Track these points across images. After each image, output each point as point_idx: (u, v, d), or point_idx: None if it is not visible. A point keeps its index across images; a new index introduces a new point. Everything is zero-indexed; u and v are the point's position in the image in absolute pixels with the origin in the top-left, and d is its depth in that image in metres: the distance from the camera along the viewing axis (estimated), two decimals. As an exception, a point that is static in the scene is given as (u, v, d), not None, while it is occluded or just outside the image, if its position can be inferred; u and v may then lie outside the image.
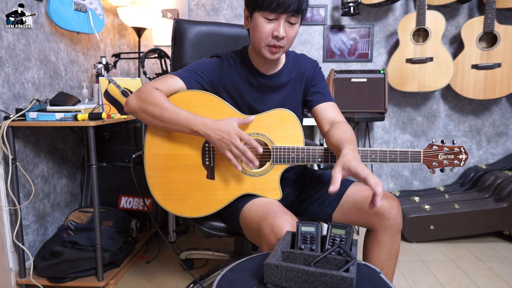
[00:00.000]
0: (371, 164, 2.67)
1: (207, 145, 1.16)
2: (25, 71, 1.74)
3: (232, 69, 1.21)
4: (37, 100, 1.65)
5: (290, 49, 1.26)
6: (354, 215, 1.12)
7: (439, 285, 1.75)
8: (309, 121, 2.05)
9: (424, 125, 2.69)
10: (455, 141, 1.12)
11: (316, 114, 1.23)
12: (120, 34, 2.70)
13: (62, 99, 1.72)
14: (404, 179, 2.76)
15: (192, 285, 1.62)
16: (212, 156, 1.16)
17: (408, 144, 2.72)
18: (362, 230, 2.37)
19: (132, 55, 2.62)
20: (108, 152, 2.23)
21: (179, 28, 1.53)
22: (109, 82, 1.94)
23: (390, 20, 2.61)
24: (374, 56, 2.65)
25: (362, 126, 2.70)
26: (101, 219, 1.70)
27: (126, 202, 2.16)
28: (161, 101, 1.09)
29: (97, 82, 1.96)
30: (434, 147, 1.11)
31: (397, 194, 2.58)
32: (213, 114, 1.15)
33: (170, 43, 2.55)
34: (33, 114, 1.57)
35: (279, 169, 1.16)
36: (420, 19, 2.35)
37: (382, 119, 2.37)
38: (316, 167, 1.45)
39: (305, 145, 1.15)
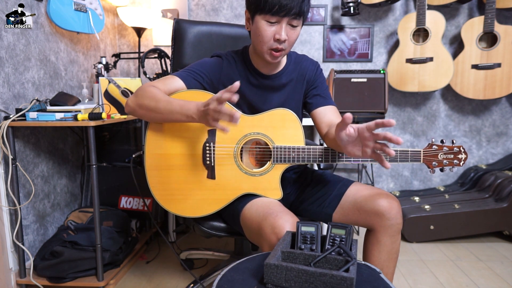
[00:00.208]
0: (371, 164, 2.67)
1: (207, 144, 1.16)
2: (25, 71, 1.74)
3: (232, 68, 1.21)
4: (37, 100, 1.65)
5: (291, 50, 1.26)
6: (354, 215, 1.12)
7: (439, 285, 1.75)
8: (309, 121, 2.05)
9: (424, 125, 2.69)
10: (454, 141, 1.12)
11: (315, 117, 1.23)
12: (120, 34, 2.70)
13: (62, 99, 1.72)
14: (404, 179, 2.76)
15: (192, 285, 1.62)
16: (212, 155, 1.16)
17: (408, 144, 2.72)
18: (362, 230, 2.37)
19: (132, 55, 2.62)
20: (108, 152, 2.23)
21: (179, 28, 1.53)
22: (109, 82, 1.94)
23: (390, 20, 2.61)
24: (374, 56, 2.65)
25: (362, 126, 2.70)
26: (101, 219, 1.70)
27: (126, 202, 2.16)
28: (156, 94, 1.09)
29: (97, 82, 1.96)
30: (434, 146, 1.11)
31: (397, 194, 2.58)
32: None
33: (170, 43, 2.55)
34: (33, 114, 1.57)
35: (280, 168, 1.16)
36: (420, 19, 2.35)
37: (382, 119, 2.37)
38: (316, 167, 1.45)
39: (305, 145, 1.15)
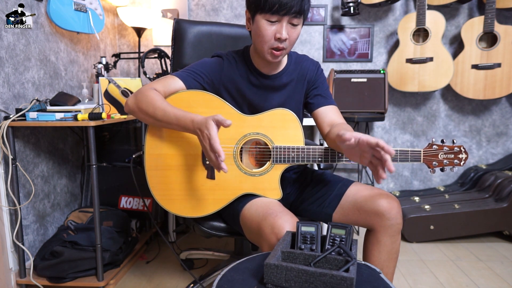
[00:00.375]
0: (371, 164, 2.67)
1: (207, 145, 1.16)
2: (25, 71, 1.74)
3: (232, 68, 1.21)
4: (37, 100, 1.65)
5: (291, 50, 1.26)
6: (354, 215, 1.12)
7: (439, 285, 1.75)
8: (309, 121, 2.05)
9: (424, 125, 2.69)
10: (455, 141, 1.12)
11: (317, 117, 1.23)
12: (120, 34, 2.70)
13: (62, 99, 1.72)
14: (404, 179, 2.76)
15: (192, 285, 1.62)
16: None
17: (408, 144, 2.72)
18: (362, 230, 2.37)
19: (132, 55, 2.62)
20: (108, 152, 2.23)
21: (179, 28, 1.53)
22: (109, 82, 1.94)
23: (390, 20, 2.61)
24: (374, 56, 2.65)
25: (362, 126, 2.70)
26: (101, 219, 1.70)
27: (126, 202, 2.16)
28: (155, 100, 1.09)
29: (97, 82, 1.96)
30: (434, 146, 1.11)
31: (397, 194, 2.58)
32: (212, 114, 1.15)
33: (170, 43, 2.55)
34: (33, 114, 1.57)
35: (279, 168, 1.16)
36: (420, 19, 2.35)
37: (382, 119, 2.37)
38: (316, 167, 1.45)
39: (305, 145, 1.15)
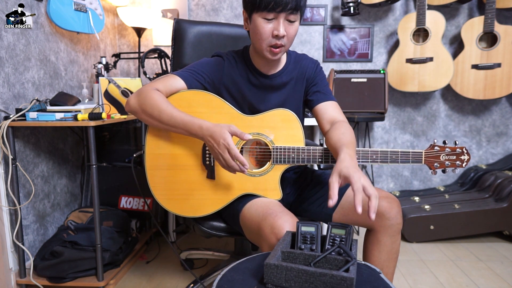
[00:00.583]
0: (371, 164, 2.67)
1: (207, 145, 1.16)
2: (25, 71, 1.74)
3: (233, 68, 1.21)
4: (37, 100, 1.65)
5: (291, 49, 1.26)
6: (354, 215, 1.12)
7: (439, 285, 1.75)
8: (309, 121, 2.05)
9: (424, 125, 2.69)
10: (457, 142, 1.11)
11: (317, 114, 1.23)
12: (120, 34, 2.70)
13: (62, 99, 1.72)
14: (404, 179, 2.76)
15: (192, 285, 1.62)
16: (212, 156, 1.16)
17: (408, 144, 2.72)
18: (362, 230, 2.37)
19: (132, 55, 2.62)
20: (108, 152, 2.23)
21: (179, 28, 1.53)
22: (109, 82, 1.94)
23: (390, 20, 2.61)
24: (374, 56, 2.65)
25: (362, 126, 2.70)
26: (101, 219, 1.70)
27: (126, 202, 2.16)
28: (160, 102, 1.09)
29: (97, 82, 1.96)
30: (436, 147, 1.11)
31: (397, 194, 2.58)
32: (213, 114, 1.15)
33: (170, 43, 2.55)
34: (33, 114, 1.57)
35: (280, 169, 1.16)
36: (420, 19, 2.35)
37: (382, 119, 2.37)
38: (316, 167, 1.45)
39: (306, 145, 1.15)
